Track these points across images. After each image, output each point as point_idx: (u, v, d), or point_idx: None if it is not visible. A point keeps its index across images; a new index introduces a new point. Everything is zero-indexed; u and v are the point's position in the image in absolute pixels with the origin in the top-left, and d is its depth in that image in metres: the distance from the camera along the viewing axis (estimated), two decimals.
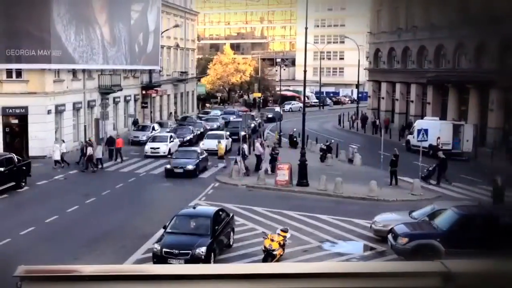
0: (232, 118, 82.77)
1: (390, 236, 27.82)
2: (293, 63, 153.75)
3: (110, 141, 56.66)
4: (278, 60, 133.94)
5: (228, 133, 64.13)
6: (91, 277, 4.67)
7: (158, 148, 57.28)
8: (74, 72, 60.20)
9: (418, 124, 57.40)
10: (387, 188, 43.11)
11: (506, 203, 34.48)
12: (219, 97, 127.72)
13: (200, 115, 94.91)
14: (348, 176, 46.10)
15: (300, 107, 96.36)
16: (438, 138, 56.13)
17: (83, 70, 61.70)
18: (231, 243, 29.41)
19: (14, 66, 53.55)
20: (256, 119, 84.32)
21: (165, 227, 27.36)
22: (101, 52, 63.55)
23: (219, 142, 57.87)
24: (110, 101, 67.82)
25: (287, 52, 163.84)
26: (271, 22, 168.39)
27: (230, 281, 4.66)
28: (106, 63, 65.39)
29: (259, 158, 50.25)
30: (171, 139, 59.52)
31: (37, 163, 49.05)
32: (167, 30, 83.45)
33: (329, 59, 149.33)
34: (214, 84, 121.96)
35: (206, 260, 25.06)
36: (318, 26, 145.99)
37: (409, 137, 62.55)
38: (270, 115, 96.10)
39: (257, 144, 51.74)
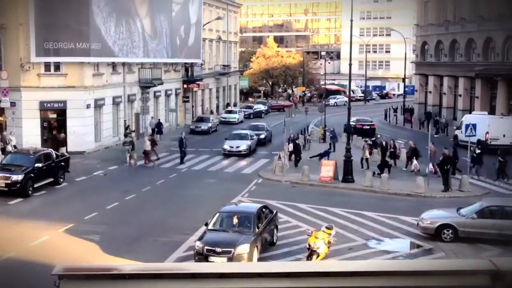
0: None
1: None
2: (338, 56, 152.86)
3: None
4: (323, 53, 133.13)
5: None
6: (131, 275, 4.65)
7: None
8: (113, 65, 59.91)
9: (466, 119, 56.16)
10: (434, 184, 42.06)
11: None
12: (262, 91, 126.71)
13: (244, 109, 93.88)
14: (395, 172, 45.79)
15: (345, 101, 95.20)
16: (487, 133, 55.05)
17: (123, 64, 61.35)
18: (274, 241, 29.22)
19: (52, 59, 53.24)
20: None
21: (207, 224, 27.15)
22: (141, 45, 63.14)
23: None
24: (151, 95, 67.45)
25: (332, 45, 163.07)
26: (315, 14, 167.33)
27: (273, 280, 4.62)
28: (146, 56, 64.94)
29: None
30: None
31: (76, 159, 48.81)
32: (209, 22, 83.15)
33: (375, 52, 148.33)
34: (257, 77, 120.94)
35: (249, 258, 24.93)
36: (363, 18, 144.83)
37: (457, 132, 61.29)
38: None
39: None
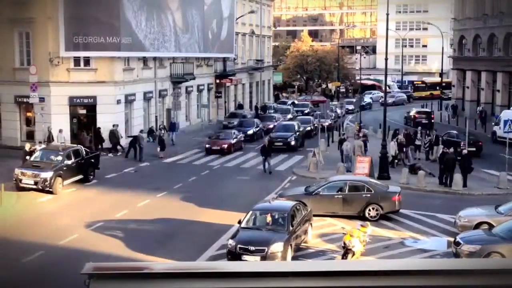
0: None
1: None
2: (373, 50, 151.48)
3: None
4: (358, 47, 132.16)
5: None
6: (162, 274, 4.62)
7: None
8: (144, 60, 59.43)
9: (505, 114, 55.15)
10: (472, 182, 41.37)
11: None
12: (296, 86, 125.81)
13: (278, 105, 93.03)
14: (431, 169, 44.80)
15: (381, 96, 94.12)
16: None
17: (154, 58, 60.86)
18: (309, 239, 29.03)
19: (82, 54, 52.75)
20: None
21: (240, 222, 27.06)
22: (173, 39, 62.59)
23: None
24: (183, 90, 66.87)
25: (368, 39, 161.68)
26: (350, 7, 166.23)
27: (308, 279, 4.54)
28: (178, 50, 64.36)
29: None
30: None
31: (106, 155, 48.81)
32: (242, 16, 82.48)
33: (412, 46, 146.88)
34: (291, 72, 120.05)
35: (282, 256, 24.81)
36: (400, 12, 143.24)
37: (495, 128, 60.32)
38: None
39: None
